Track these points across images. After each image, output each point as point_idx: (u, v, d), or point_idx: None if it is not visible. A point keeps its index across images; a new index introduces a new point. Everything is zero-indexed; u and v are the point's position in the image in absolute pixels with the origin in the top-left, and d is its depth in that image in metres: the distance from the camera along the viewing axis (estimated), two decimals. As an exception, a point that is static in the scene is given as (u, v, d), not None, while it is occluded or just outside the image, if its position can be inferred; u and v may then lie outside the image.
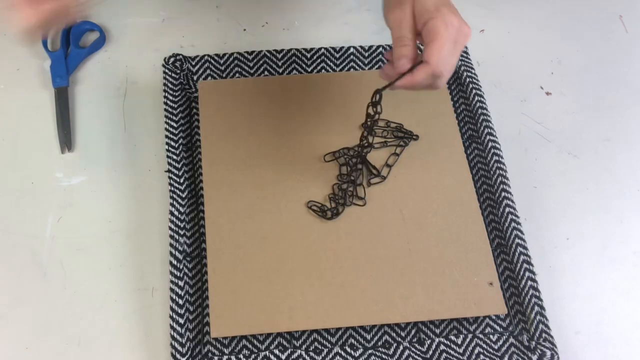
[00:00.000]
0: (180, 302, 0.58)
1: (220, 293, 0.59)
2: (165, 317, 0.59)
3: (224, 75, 0.72)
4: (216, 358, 0.57)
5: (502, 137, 0.69)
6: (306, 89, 0.71)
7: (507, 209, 0.64)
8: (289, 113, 0.69)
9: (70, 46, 0.74)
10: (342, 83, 0.71)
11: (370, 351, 0.58)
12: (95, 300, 0.61)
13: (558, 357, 0.57)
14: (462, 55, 0.74)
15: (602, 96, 0.77)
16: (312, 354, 0.58)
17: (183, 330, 0.57)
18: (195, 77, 0.71)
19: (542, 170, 0.71)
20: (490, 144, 0.67)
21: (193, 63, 0.71)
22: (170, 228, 0.61)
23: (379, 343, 0.60)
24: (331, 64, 0.74)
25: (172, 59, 0.70)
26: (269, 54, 0.73)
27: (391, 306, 0.59)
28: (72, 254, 0.63)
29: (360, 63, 0.74)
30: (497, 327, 0.61)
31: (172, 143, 0.66)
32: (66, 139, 0.69)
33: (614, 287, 0.65)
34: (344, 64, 0.74)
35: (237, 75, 0.72)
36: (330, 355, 0.58)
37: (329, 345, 0.59)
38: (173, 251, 0.60)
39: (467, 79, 0.72)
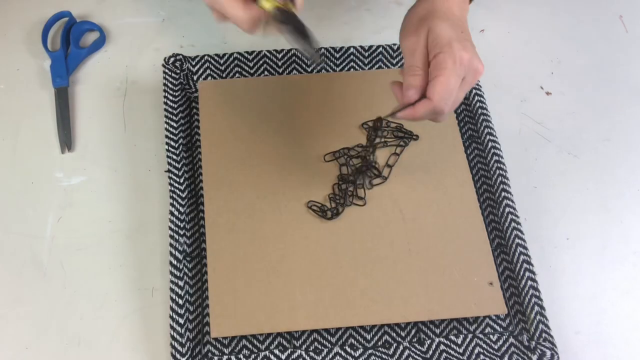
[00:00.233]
0: (180, 302, 0.58)
1: (220, 293, 0.59)
2: (165, 317, 0.59)
3: (224, 75, 0.72)
4: (216, 358, 0.57)
5: (502, 137, 0.69)
6: (306, 89, 0.71)
7: (507, 209, 0.64)
8: (289, 113, 0.69)
9: (70, 46, 0.74)
10: (342, 83, 0.71)
11: (370, 351, 0.58)
12: (95, 300, 0.61)
13: (558, 357, 0.57)
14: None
15: (602, 96, 0.77)
16: (312, 354, 0.58)
17: (183, 330, 0.57)
18: (195, 77, 0.71)
19: (542, 170, 0.71)
20: (490, 144, 0.67)
21: (193, 63, 0.71)
22: (170, 228, 0.61)
23: (379, 343, 0.59)
24: (331, 64, 0.74)
25: (172, 59, 0.70)
26: (269, 54, 0.73)
27: (391, 306, 0.59)
28: (72, 254, 0.63)
29: (360, 63, 0.74)
30: (497, 327, 0.61)
31: (172, 143, 0.66)
32: (66, 139, 0.69)
33: (614, 287, 0.65)
34: (344, 64, 0.74)
35: (237, 75, 0.72)
36: (330, 355, 0.58)
37: (329, 345, 0.59)
38: (173, 251, 0.60)
39: (467, 79, 0.72)
